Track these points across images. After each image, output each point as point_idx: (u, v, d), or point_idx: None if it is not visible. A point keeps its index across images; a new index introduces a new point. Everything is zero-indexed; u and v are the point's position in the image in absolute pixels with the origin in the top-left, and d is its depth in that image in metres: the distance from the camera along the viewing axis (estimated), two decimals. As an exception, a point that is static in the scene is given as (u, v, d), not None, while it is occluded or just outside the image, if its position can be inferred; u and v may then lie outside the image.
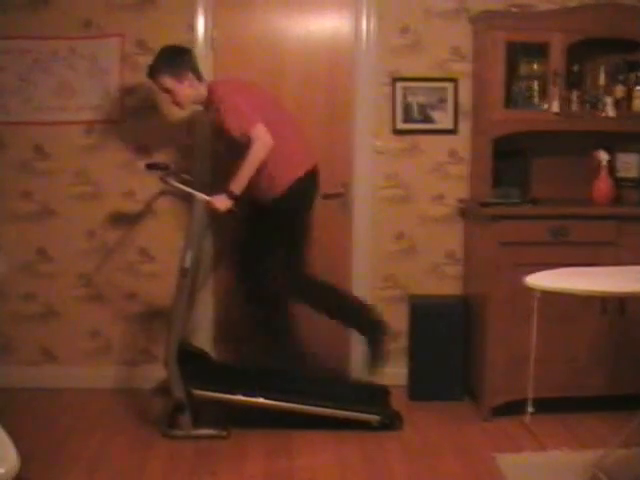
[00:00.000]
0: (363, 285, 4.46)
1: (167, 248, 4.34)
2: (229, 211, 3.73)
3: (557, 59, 4.06)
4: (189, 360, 3.89)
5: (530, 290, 3.07)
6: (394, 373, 4.40)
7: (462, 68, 4.38)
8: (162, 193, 4.34)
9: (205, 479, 3.40)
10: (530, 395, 3.33)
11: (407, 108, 4.40)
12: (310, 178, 3.95)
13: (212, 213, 3.82)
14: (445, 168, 4.45)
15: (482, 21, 4.19)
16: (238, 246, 4.16)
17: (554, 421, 3.93)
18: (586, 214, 4.01)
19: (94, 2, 4.28)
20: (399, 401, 4.19)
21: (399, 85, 4.38)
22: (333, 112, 4.41)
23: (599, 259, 3.81)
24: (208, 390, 3.83)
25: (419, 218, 4.47)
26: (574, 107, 4.17)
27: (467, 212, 4.41)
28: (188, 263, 3.78)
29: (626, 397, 3.90)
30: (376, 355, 4.10)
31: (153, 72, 3.80)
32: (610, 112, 4.14)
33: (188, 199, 3.93)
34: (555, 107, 4.08)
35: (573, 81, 4.18)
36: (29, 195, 4.38)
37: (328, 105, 4.40)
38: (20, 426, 3.55)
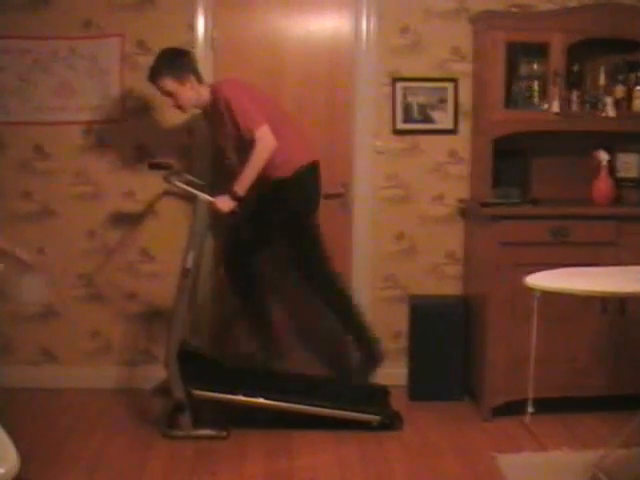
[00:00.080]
0: (363, 285, 4.46)
1: (167, 248, 4.34)
2: (232, 212, 3.73)
3: (557, 59, 4.06)
4: (189, 360, 3.89)
5: (530, 290, 3.07)
6: (394, 373, 4.40)
7: (462, 68, 4.38)
8: (165, 193, 4.34)
9: (205, 479, 3.40)
10: (530, 395, 3.33)
11: (407, 108, 4.40)
12: (311, 170, 3.94)
13: (215, 214, 3.82)
14: (445, 168, 4.45)
15: (482, 21, 4.19)
16: (230, 235, 4.14)
17: (554, 421, 3.93)
18: (586, 214, 4.01)
19: (94, 2, 4.28)
20: (399, 401, 4.19)
21: (399, 85, 4.38)
22: (333, 112, 4.40)
23: (599, 259, 3.81)
24: (208, 390, 3.83)
25: (419, 218, 4.47)
26: (574, 107, 4.17)
27: (467, 212, 4.41)
28: (190, 263, 3.78)
29: (626, 397, 3.89)
30: (363, 374, 4.17)
31: (154, 75, 3.79)
32: (610, 112, 4.14)
33: (190, 199, 3.94)
34: (555, 107, 4.08)
35: (573, 81, 4.18)
36: (29, 195, 4.38)
37: (328, 105, 4.40)
38: (20, 426, 3.55)
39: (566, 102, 4.13)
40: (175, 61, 3.78)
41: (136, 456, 3.59)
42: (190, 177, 4.07)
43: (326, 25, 4.38)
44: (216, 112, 3.83)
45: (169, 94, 3.81)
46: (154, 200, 4.39)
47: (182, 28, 4.29)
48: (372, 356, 4.11)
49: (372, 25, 4.34)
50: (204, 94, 3.84)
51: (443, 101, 4.40)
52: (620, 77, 4.20)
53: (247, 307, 4.13)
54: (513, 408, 3.83)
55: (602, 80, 4.22)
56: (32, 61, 4.29)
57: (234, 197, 3.70)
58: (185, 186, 3.83)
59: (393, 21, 4.36)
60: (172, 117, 4.25)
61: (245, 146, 3.72)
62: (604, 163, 4.17)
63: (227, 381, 3.94)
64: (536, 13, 4.22)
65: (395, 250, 4.49)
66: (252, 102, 3.76)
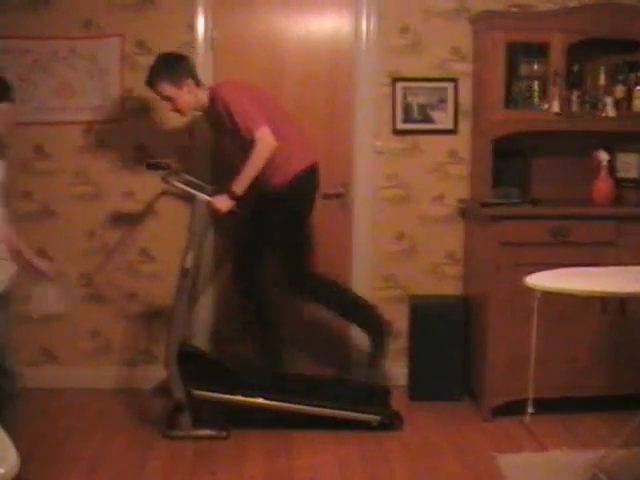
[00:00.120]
0: (363, 285, 4.46)
1: (167, 248, 4.33)
2: (230, 212, 3.73)
3: (557, 59, 4.06)
4: (189, 360, 3.89)
5: (530, 290, 3.06)
6: (394, 373, 4.41)
7: (462, 68, 4.38)
8: (163, 193, 4.35)
9: (205, 479, 3.40)
10: (530, 395, 3.32)
11: (407, 108, 4.40)
12: (310, 174, 3.94)
13: (213, 213, 3.82)
14: (445, 168, 4.45)
15: (482, 21, 4.19)
16: (239, 245, 4.15)
17: (554, 421, 3.93)
18: (586, 214, 4.01)
19: (94, 2, 4.29)
20: (399, 401, 4.19)
21: (399, 85, 4.38)
22: (333, 112, 4.41)
23: (599, 259, 3.81)
24: (208, 390, 3.83)
25: (419, 218, 4.47)
26: (574, 107, 4.17)
27: (467, 212, 4.41)
28: (189, 263, 3.78)
29: (626, 397, 3.89)
30: (377, 354, 4.09)
31: (152, 80, 3.81)
32: (610, 112, 4.14)
33: (189, 199, 3.94)
34: (555, 107, 4.08)
35: (573, 81, 4.18)
36: (29, 195, 4.39)
37: (328, 105, 4.40)
38: (20, 426, 3.55)
39: (566, 102, 4.13)
40: (172, 66, 3.80)
41: (136, 456, 3.59)
42: (189, 177, 4.06)
43: (326, 25, 4.38)
44: (216, 114, 3.83)
45: (167, 99, 3.83)
46: (154, 200, 4.39)
47: (182, 28, 4.29)
48: (380, 332, 4.07)
49: (372, 25, 4.34)
50: (203, 97, 3.85)
51: (443, 101, 4.40)
52: (620, 77, 4.20)
53: (254, 311, 4.13)
54: (513, 408, 3.83)
55: (602, 80, 4.22)
56: (32, 61, 4.29)
57: (232, 196, 3.70)
58: (183, 186, 3.83)
59: (393, 21, 4.36)
60: (172, 117, 4.24)
61: (246, 147, 3.72)
62: (604, 163, 4.17)
63: (227, 381, 3.94)
64: (536, 13, 4.22)
65: (395, 250, 4.49)
66: (252, 103, 3.76)
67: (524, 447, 3.69)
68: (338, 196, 4.42)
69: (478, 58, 4.28)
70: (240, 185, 3.69)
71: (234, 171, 3.77)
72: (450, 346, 4.26)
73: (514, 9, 4.20)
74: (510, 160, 4.25)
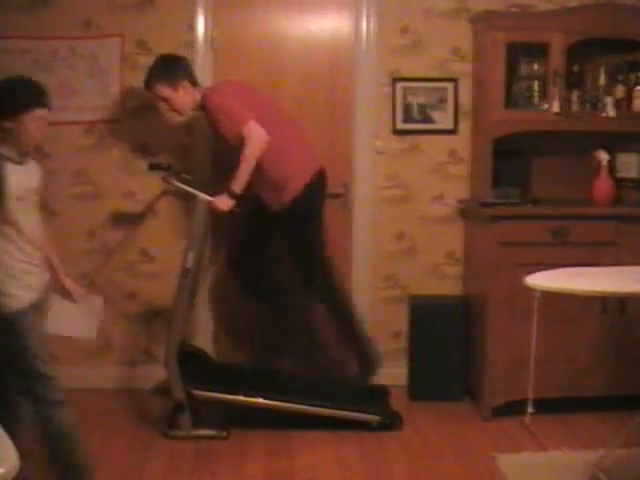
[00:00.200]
0: (363, 285, 4.46)
1: (167, 248, 4.34)
2: (231, 211, 3.74)
3: (557, 59, 4.06)
4: (189, 360, 3.89)
5: (530, 290, 3.07)
6: (394, 373, 4.40)
7: (462, 68, 4.38)
8: (164, 193, 4.35)
9: (205, 479, 3.40)
10: (530, 395, 3.33)
11: (407, 108, 4.40)
12: (318, 182, 3.95)
13: (214, 213, 3.82)
14: (445, 168, 4.45)
15: (482, 21, 4.19)
16: (238, 247, 4.16)
17: (554, 421, 3.93)
18: (586, 214, 4.01)
19: (94, 2, 4.29)
20: (399, 401, 4.19)
21: (399, 85, 4.38)
22: (333, 112, 4.40)
23: (599, 259, 3.81)
24: (208, 390, 3.83)
25: (419, 218, 4.47)
26: (574, 107, 4.17)
27: (467, 212, 4.41)
28: (189, 263, 3.78)
29: (626, 397, 3.89)
30: (361, 379, 4.20)
31: (149, 82, 3.85)
32: (610, 112, 4.14)
33: (190, 199, 3.94)
34: (555, 107, 4.08)
35: (573, 81, 4.18)
36: (29, 195, 4.38)
37: (328, 105, 4.40)
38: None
39: (566, 102, 4.13)
40: (167, 68, 3.83)
41: (136, 456, 3.59)
42: (189, 177, 4.07)
43: (326, 25, 4.38)
44: (209, 119, 3.88)
45: (164, 100, 3.85)
46: (154, 200, 4.39)
47: (182, 28, 4.29)
48: (370, 364, 4.15)
49: (372, 25, 4.34)
50: (199, 98, 3.86)
51: (443, 101, 4.40)
52: (620, 77, 4.20)
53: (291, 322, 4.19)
54: (513, 408, 3.83)
55: (602, 80, 4.22)
56: (32, 61, 4.28)
57: (232, 195, 3.71)
58: (184, 186, 3.84)
59: (393, 21, 4.36)
60: (172, 117, 4.25)
61: (240, 149, 3.73)
62: (604, 163, 4.17)
63: (227, 381, 3.95)
64: (536, 13, 4.22)
65: (395, 250, 4.49)
66: (240, 103, 3.77)
67: (524, 447, 3.69)
68: (338, 196, 4.41)
69: (478, 58, 4.28)
70: (238, 184, 3.70)
71: (233, 171, 3.78)
72: (450, 346, 4.26)
73: (514, 9, 4.19)
74: (510, 160, 4.25)
